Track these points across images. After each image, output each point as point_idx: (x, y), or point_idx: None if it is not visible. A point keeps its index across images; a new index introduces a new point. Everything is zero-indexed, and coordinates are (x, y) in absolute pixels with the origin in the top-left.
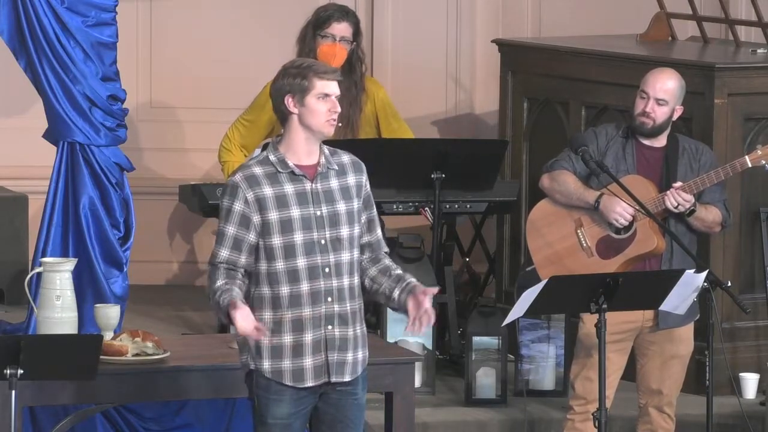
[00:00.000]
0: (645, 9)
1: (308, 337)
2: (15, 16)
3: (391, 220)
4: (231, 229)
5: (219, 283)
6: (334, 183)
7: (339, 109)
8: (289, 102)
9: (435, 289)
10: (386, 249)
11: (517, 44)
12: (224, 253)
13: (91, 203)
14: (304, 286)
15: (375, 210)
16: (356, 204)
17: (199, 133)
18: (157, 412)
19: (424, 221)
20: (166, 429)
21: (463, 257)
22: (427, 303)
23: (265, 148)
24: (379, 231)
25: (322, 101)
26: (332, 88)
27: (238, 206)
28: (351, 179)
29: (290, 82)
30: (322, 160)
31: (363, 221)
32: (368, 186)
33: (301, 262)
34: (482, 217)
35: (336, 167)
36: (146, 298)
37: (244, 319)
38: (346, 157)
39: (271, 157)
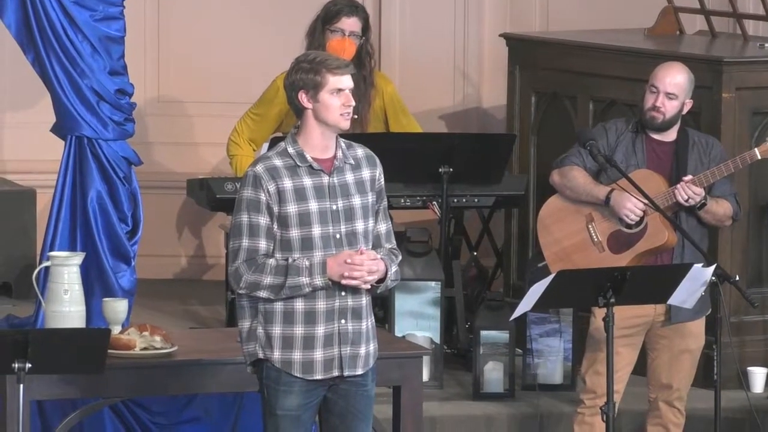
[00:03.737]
0: (653, 3)
1: (320, 330)
2: (23, 10)
3: (399, 215)
4: (263, 220)
5: (269, 276)
6: (349, 177)
7: (353, 102)
8: (303, 97)
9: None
10: (389, 245)
11: (524, 38)
12: (263, 245)
13: (98, 197)
14: None
15: (384, 204)
16: (370, 198)
17: (207, 127)
18: (164, 406)
19: (431, 215)
20: (173, 423)
21: (470, 251)
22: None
23: (272, 143)
24: (383, 225)
25: (336, 96)
26: (345, 82)
27: (264, 197)
28: (366, 173)
29: (303, 78)
30: (339, 154)
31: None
32: (382, 180)
33: (318, 256)
34: (490, 212)
35: (352, 161)
36: (154, 293)
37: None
38: (360, 151)
39: (290, 150)
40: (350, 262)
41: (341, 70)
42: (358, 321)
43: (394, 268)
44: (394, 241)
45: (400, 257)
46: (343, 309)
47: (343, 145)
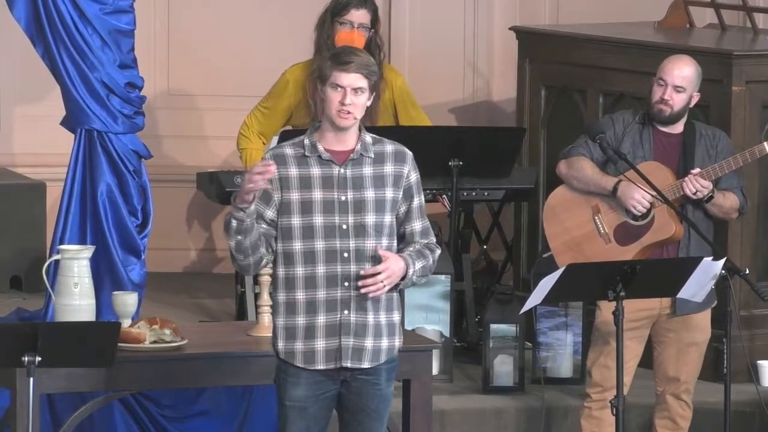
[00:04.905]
0: None
1: (321, 319)
2: (33, 4)
3: None
4: (253, 205)
5: (229, 237)
6: (367, 170)
7: (350, 102)
8: (318, 88)
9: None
10: (425, 240)
11: (534, 31)
12: None
13: (108, 191)
14: (320, 269)
15: (417, 201)
16: (390, 193)
17: (217, 120)
18: (174, 399)
19: (441, 209)
20: (183, 416)
21: (480, 245)
22: (379, 268)
23: (282, 136)
24: (418, 223)
25: (334, 92)
26: (346, 80)
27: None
28: (389, 168)
29: (318, 68)
30: (358, 147)
31: (402, 211)
32: (413, 176)
33: (319, 245)
34: (500, 205)
35: (372, 155)
36: (164, 286)
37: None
38: (390, 147)
39: (305, 141)
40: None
41: (346, 66)
42: (363, 313)
43: (419, 264)
44: (433, 237)
45: (438, 251)
46: (345, 299)
47: (368, 139)
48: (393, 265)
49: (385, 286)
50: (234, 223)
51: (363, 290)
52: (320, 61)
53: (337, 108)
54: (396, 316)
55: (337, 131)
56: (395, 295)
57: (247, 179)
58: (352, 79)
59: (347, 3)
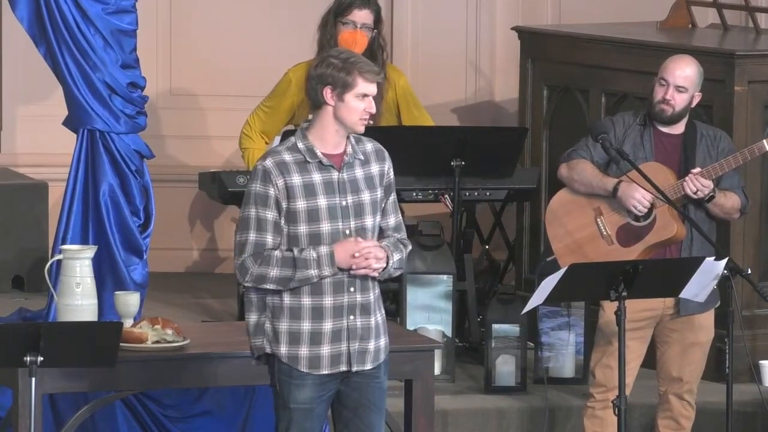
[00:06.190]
0: None
1: (328, 325)
2: (35, 4)
3: (411, 208)
4: (270, 215)
5: (276, 268)
6: (359, 172)
7: (374, 110)
8: (328, 93)
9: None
10: (398, 235)
11: (537, 31)
12: (270, 239)
13: (111, 191)
14: None
15: (393, 197)
16: (379, 193)
17: (219, 120)
18: (176, 399)
19: (443, 209)
20: (185, 416)
21: (482, 245)
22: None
23: (284, 136)
24: (392, 218)
25: (360, 101)
26: (373, 88)
27: (272, 191)
28: (374, 168)
29: (333, 74)
30: (349, 149)
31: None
32: (391, 173)
33: (324, 249)
34: (502, 205)
35: (361, 156)
36: (166, 286)
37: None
38: (369, 145)
39: (300, 145)
40: (359, 255)
41: (372, 76)
42: (367, 317)
43: (397, 256)
44: (405, 233)
45: (409, 247)
46: (351, 305)
47: (352, 140)
48: (377, 252)
49: (374, 270)
50: (316, 280)
51: (353, 271)
52: (329, 69)
53: (361, 116)
54: (383, 312)
55: (342, 135)
56: (378, 291)
57: (359, 262)
58: (375, 88)
59: (350, 3)
